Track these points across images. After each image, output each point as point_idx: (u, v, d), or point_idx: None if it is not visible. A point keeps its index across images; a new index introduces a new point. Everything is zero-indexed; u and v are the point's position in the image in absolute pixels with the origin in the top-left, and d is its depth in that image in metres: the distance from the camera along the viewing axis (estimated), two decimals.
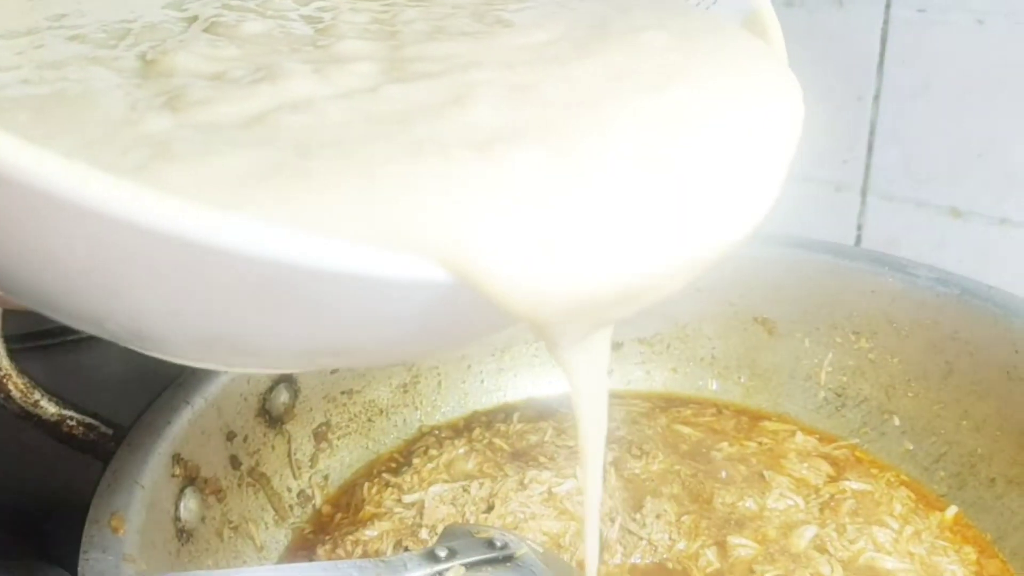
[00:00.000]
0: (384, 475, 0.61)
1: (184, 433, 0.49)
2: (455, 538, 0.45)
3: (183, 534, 0.47)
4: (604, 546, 0.53)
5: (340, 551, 0.54)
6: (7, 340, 0.48)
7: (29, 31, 0.25)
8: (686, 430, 0.64)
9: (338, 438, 0.62)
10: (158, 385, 0.52)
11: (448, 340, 0.24)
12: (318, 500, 0.60)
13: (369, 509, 0.58)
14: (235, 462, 0.54)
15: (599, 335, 0.24)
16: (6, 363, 0.47)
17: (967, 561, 0.51)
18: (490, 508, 0.55)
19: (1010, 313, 0.55)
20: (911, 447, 0.60)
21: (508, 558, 0.44)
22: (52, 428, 0.48)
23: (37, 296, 0.19)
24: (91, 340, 0.66)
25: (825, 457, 0.60)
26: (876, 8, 0.69)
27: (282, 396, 0.58)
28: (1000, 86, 0.66)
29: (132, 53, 0.23)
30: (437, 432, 0.66)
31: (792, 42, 0.34)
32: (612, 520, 0.55)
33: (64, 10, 0.27)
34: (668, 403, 0.68)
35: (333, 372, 0.63)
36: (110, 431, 0.48)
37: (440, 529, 0.51)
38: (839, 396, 0.65)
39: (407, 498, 0.58)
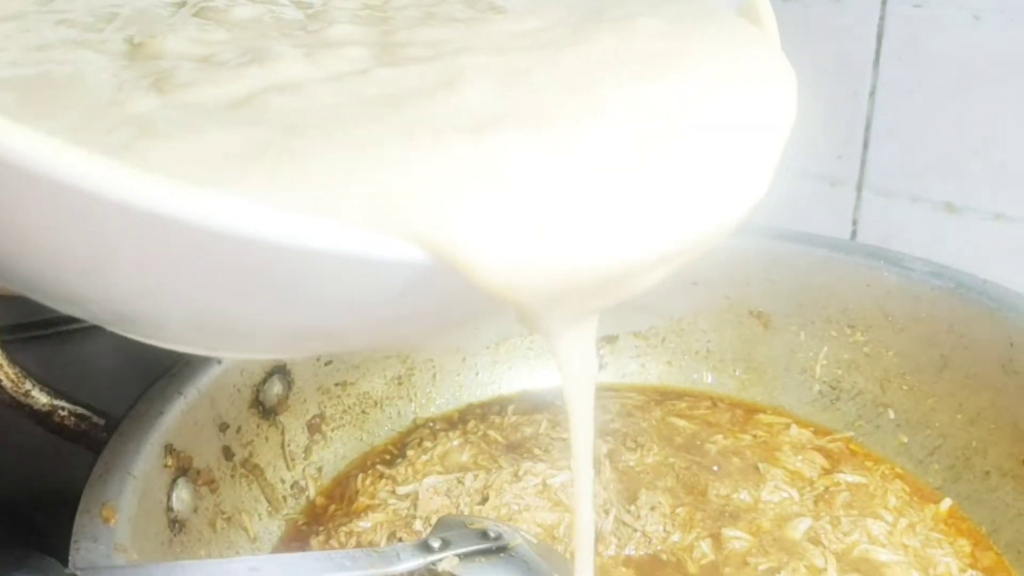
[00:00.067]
0: (378, 467, 0.61)
1: (177, 424, 0.49)
2: (449, 529, 0.45)
3: (175, 524, 0.47)
4: (599, 538, 0.53)
5: (334, 542, 0.53)
6: None
7: (17, 15, 0.25)
8: (681, 423, 0.64)
9: (332, 430, 0.62)
10: (151, 376, 0.52)
11: (435, 324, 0.24)
12: (312, 491, 0.60)
13: (363, 500, 0.58)
14: (228, 453, 0.54)
15: (586, 323, 0.24)
16: None
17: (961, 553, 0.51)
18: (484, 500, 0.55)
19: (1005, 307, 0.55)
20: (906, 440, 0.60)
21: (502, 549, 0.44)
22: (43, 418, 0.47)
23: (19, 276, 0.19)
24: (83, 331, 0.66)
25: (820, 450, 0.60)
26: (872, 3, 0.69)
27: (276, 387, 0.58)
28: (996, 82, 0.66)
29: (120, 36, 0.23)
30: (431, 424, 0.66)
31: (788, 37, 0.34)
32: (607, 512, 0.55)
33: None
34: (663, 396, 0.68)
35: (328, 364, 0.62)
36: (102, 421, 0.48)
37: (434, 520, 0.51)
38: (834, 389, 0.65)
39: (401, 489, 0.58)
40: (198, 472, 0.50)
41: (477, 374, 0.70)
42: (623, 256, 0.20)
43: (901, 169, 0.73)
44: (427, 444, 0.63)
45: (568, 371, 0.25)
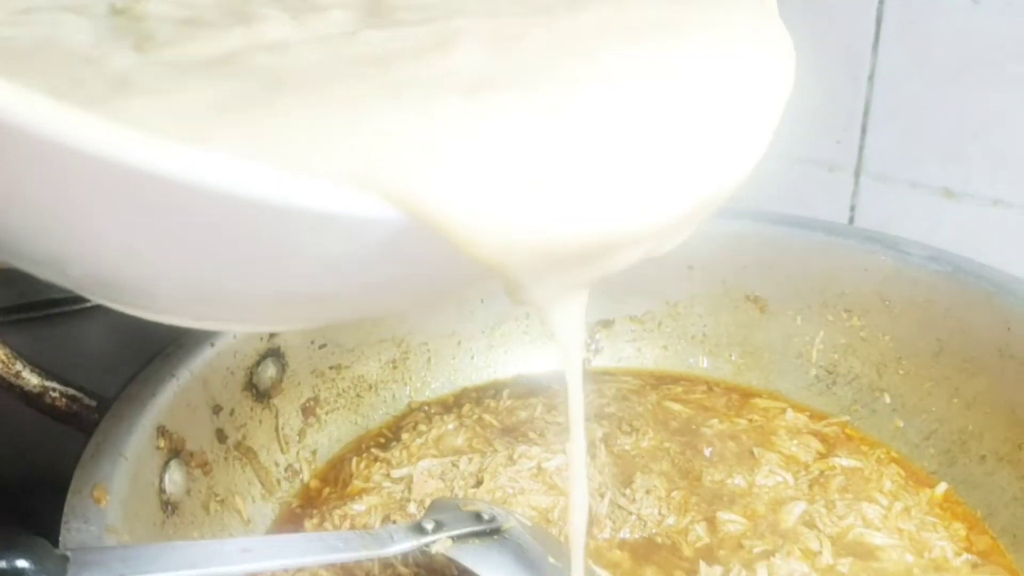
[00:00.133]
0: (373, 450, 0.61)
1: (169, 405, 0.49)
2: (442, 511, 0.45)
3: (168, 506, 0.47)
4: (593, 521, 0.53)
5: (328, 525, 0.53)
6: None
7: None
8: (676, 407, 0.64)
9: (326, 413, 0.62)
10: (143, 359, 0.52)
11: (423, 291, 0.23)
12: (306, 475, 0.59)
13: (357, 484, 0.57)
14: (221, 436, 0.53)
15: (574, 297, 0.24)
16: None
17: (957, 537, 0.51)
18: (479, 483, 0.55)
19: (1003, 291, 0.55)
20: (902, 424, 0.60)
21: (495, 531, 0.44)
22: (34, 400, 0.47)
23: None
24: (76, 314, 0.66)
25: (815, 434, 0.60)
26: None
27: (269, 370, 0.58)
28: (995, 66, 0.66)
29: (103, 1, 0.22)
30: (427, 408, 0.66)
31: (787, 21, 0.34)
32: (602, 495, 0.54)
33: None
34: (659, 380, 0.68)
35: (322, 347, 0.62)
36: (93, 403, 0.47)
37: (428, 503, 0.51)
38: (830, 374, 0.65)
39: (396, 473, 0.57)
40: (191, 454, 0.50)
41: (472, 358, 0.70)
42: (612, 223, 0.19)
43: (900, 154, 0.73)
44: (422, 428, 0.62)
45: (556, 336, 0.25)
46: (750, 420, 0.62)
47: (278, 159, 0.15)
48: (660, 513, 0.54)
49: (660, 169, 0.20)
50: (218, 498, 0.52)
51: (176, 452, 0.48)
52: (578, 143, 0.19)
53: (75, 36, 0.19)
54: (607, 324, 0.71)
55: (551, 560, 0.44)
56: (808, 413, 0.63)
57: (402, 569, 0.49)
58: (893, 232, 0.64)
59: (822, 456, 0.58)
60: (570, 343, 0.26)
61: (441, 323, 0.68)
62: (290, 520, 0.56)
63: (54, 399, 0.47)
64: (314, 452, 0.61)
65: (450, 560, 0.45)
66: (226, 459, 0.54)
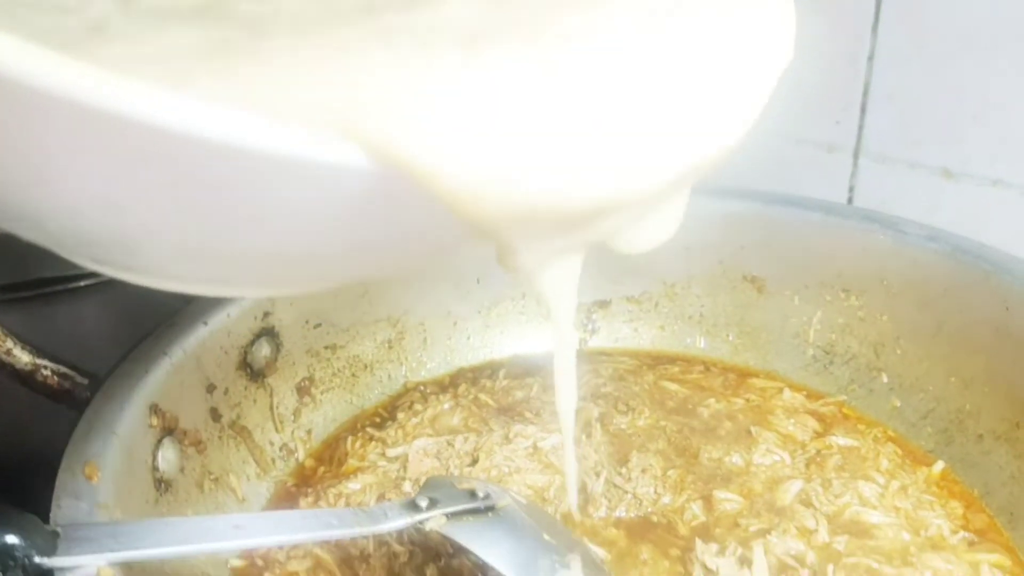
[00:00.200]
0: (368, 429, 0.60)
1: (162, 383, 0.48)
2: (437, 489, 0.45)
3: (161, 484, 0.46)
4: (589, 500, 0.53)
5: (322, 503, 0.53)
6: None
7: None
8: (673, 387, 0.63)
9: (321, 392, 0.62)
10: (136, 338, 0.51)
11: (400, 251, 0.23)
12: (301, 454, 0.59)
13: (352, 463, 0.57)
14: (215, 414, 0.53)
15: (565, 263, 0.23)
16: None
17: (953, 516, 0.51)
18: (474, 462, 0.55)
19: (1001, 270, 0.55)
20: (899, 404, 0.60)
21: (490, 509, 0.44)
22: (26, 378, 0.47)
23: None
24: (68, 293, 0.65)
25: (812, 413, 0.60)
26: None
27: (264, 349, 0.58)
28: (996, 46, 0.65)
29: None
30: (422, 388, 0.66)
31: None
32: (597, 474, 0.54)
33: None
34: (656, 361, 0.68)
35: (317, 327, 0.62)
36: (85, 381, 0.47)
37: (423, 481, 0.51)
38: (827, 353, 0.64)
39: (391, 452, 0.57)
40: (184, 432, 0.50)
41: (468, 338, 0.69)
42: (600, 183, 0.19)
43: (899, 135, 0.72)
44: (417, 407, 0.62)
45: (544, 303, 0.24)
46: (747, 400, 0.62)
47: (259, 104, 0.15)
48: (656, 492, 0.53)
49: (651, 132, 0.20)
50: (212, 476, 0.52)
51: (169, 430, 0.48)
52: (571, 102, 0.18)
53: None
54: (604, 304, 0.70)
55: (546, 537, 0.44)
56: (805, 393, 0.63)
57: (397, 547, 0.49)
58: (892, 213, 0.63)
59: (819, 435, 0.58)
60: (560, 313, 0.25)
61: (437, 303, 0.68)
62: (285, 499, 0.55)
63: (46, 377, 0.47)
64: (309, 431, 0.60)
65: (444, 537, 0.45)
66: (220, 438, 0.53)
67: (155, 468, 0.46)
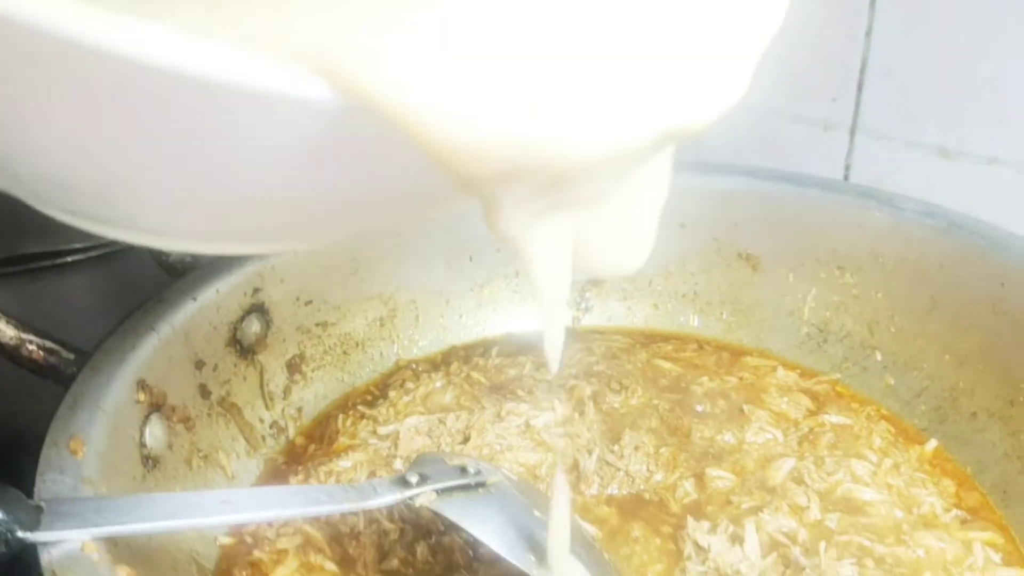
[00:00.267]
0: (359, 407, 0.60)
1: (149, 359, 0.48)
2: (427, 465, 0.45)
3: (149, 461, 0.46)
4: (581, 477, 0.53)
5: (313, 481, 0.53)
6: None
7: None
8: (666, 365, 0.63)
9: (312, 370, 0.61)
10: (123, 313, 0.51)
11: (371, 199, 0.22)
12: (291, 431, 0.59)
13: (343, 440, 0.57)
14: (204, 391, 0.53)
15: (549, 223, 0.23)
16: None
17: (946, 493, 0.51)
18: (466, 439, 0.55)
19: (997, 246, 0.54)
20: (892, 382, 0.60)
21: (481, 485, 0.44)
22: (11, 352, 0.46)
23: None
24: (55, 269, 0.64)
25: (805, 392, 0.60)
26: None
27: (254, 326, 0.57)
28: (995, 22, 0.64)
29: None
30: (414, 366, 0.65)
31: None
32: (590, 452, 0.54)
33: None
34: (649, 339, 0.67)
35: (308, 304, 0.61)
36: (71, 356, 0.46)
37: (414, 458, 0.50)
38: (821, 332, 0.64)
39: (382, 430, 0.57)
40: (173, 409, 0.49)
41: (461, 316, 0.69)
42: (577, 136, 0.18)
43: (896, 112, 0.71)
44: (409, 385, 0.62)
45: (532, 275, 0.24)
46: (740, 378, 0.61)
47: (223, 36, 0.14)
48: (648, 469, 0.53)
49: (633, 92, 0.19)
50: (201, 454, 0.51)
51: (157, 406, 0.48)
52: (554, 48, 0.18)
53: None
54: (597, 282, 0.70)
55: (537, 514, 0.43)
56: (799, 371, 0.62)
57: (387, 524, 0.49)
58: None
59: (812, 413, 0.57)
60: (546, 296, 0.25)
61: (429, 281, 0.67)
62: (275, 476, 0.55)
63: (31, 351, 0.46)
64: (300, 409, 0.60)
65: (435, 514, 0.45)
66: (209, 415, 0.53)
67: (142, 444, 0.46)
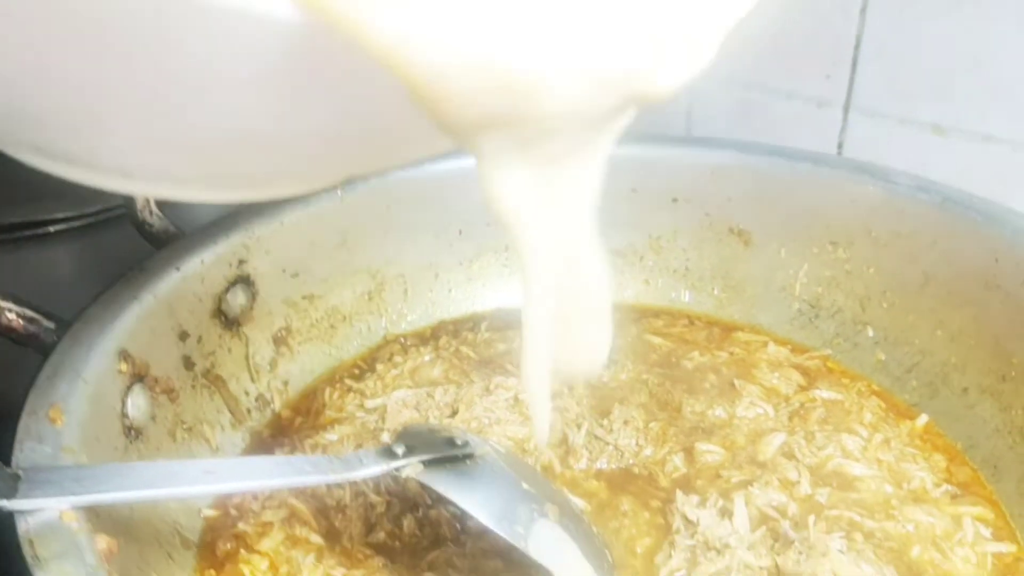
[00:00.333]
0: (346, 381, 0.59)
1: (131, 329, 0.47)
2: (414, 436, 0.44)
3: (131, 432, 0.45)
4: (570, 451, 0.52)
5: (299, 454, 0.52)
6: None
7: None
8: (657, 340, 0.62)
9: (299, 343, 0.60)
10: (105, 283, 0.50)
11: (338, 129, 0.21)
12: (277, 404, 0.58)
13: (330, 414, 0.56)
14: (188, 363, 0.52)
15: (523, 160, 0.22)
16: None
17: (936, 468, 0.51)
18: (454, 413, 0.54)
19: (992, 221, 0.54)
20: (883, 357, 0.59)
21: (468, 457, 0.43)
22: None
23: None
24: (36, 239, 0.63)
25: (796, 367, 0.59)
26: None
27: (239, 298, 0.56)
28: (989, 1, 0.63)
29: None
30: (403, 340, 0.64)
31: None
32: (579, 426, 0.54)
33: None
34: (639, 314, 0.67)
35: (295, 276, 0.60)
36: (52, 324, 0.45)
37: (400, 429, 0.50)
38: (813, 307, 0.64)
39: (369, 403, 0.56)
40: (156, 380, 0.48)
41: (450, 291, 0.68)
42: (548, 65, 0.17)
43: (890, 89, 0.71)
44: (397, 359, 0.61)
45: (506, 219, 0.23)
46: (731, 353, 0.61)
47: None
48: (637, 444, 0.53)
49: (601, 38, 0.18)
50: (185, 426, 0.50)
51: (139, 377, 0.47)
52: None
53: None
54: None
55: (525, 486, 0.43)
56: (790, 347, 0.62)
57: (374, 497, 0.48)
58: None
59: (803, 389, 0.57)
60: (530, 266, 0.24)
61: (418, 254, 0.66)
62: (260, 449, 0.54)
63: (11, 320, 0.45)
64: (286, 382, 0.59)
65: (422, 486, 0.44)
66: (193, 386, 0.52)
67: (124, 415, 0.45)
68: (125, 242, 0.57)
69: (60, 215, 0.61)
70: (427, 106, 0.17)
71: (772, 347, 0.61)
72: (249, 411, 0.56)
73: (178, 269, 0.52)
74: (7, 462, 0.37)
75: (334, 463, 0.41)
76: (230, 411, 0.55)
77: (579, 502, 0.49)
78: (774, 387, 0.57)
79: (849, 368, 0.60)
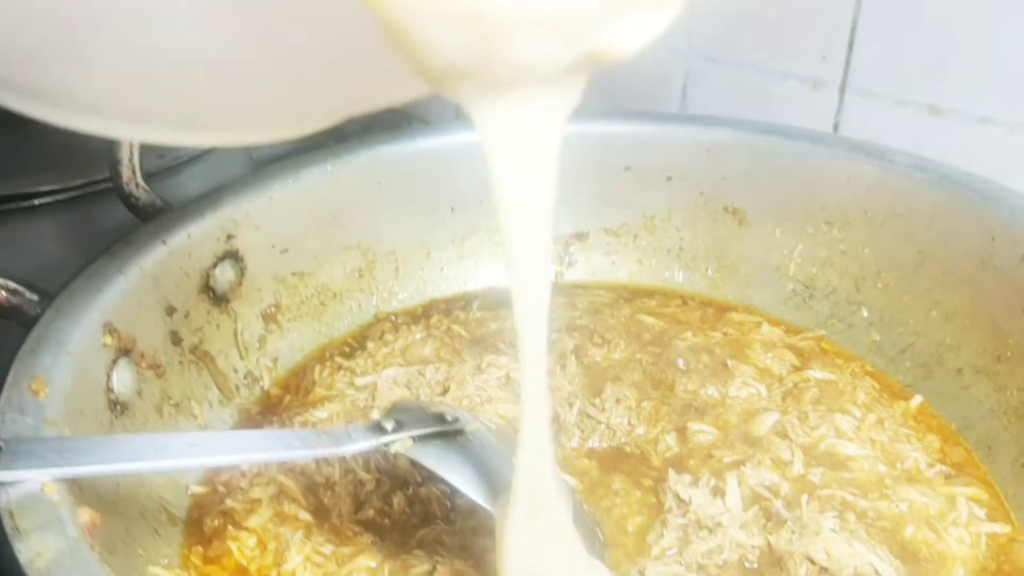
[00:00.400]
0: (337, 358, 0.59)
1: (117, 302, 0.46)
2: (404, 412, 0.43)
3: (117, 406, 0.45)
4: (562, 429, 0.52)
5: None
6: None
7: None
8: (650, 320, 0.62)
9: (288, 320, 0.60)
10: (90, 257, 0.49)
11: (315, 63, 0.20)
12: (266, 382, 0.57)
13: (320, 391, 0.56)
14: (176, 338, 0.51)
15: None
16: None
17: (930, 449, 0.51)
18: (445, 391, 0.54)
19: (989, 200, 0.53)
20: (878, 338, 0.59)
21: (459, 433, 0.42)
22: None
23: None
24: (21, 212, 0.62)
25: (790, 348, 0.59)
26: None
27: (227, 273, 0.55)
28: None
29: None
30: (394, 318, 0.64)
31: None
32: (571, 405, 0.53)
33: None
34: (633, 294, 0.66)
35: (284, 252, 0.59)
36: (35, 297, 0.45)
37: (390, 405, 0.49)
38: (807, 288, 0.63)
39: (360, 381, 0.56)
40: (142, 354, 0.48)
41: (442, 269, 0.67)
42: None
43: (886, 70, 0.70)
44: (388, 337, 0.61)
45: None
46: (725, 334, 0.60)
47: None
48: (629, 423, 0.52)
49: None
50: (172, 402, 0.50)
51: (125, 351, 0.46)
52: None
53: None
54: (581, 236, 0.69)
55: (515, 463, 0.42)
56: (784, 327, 0.61)
57: (363, 474, 0.48)
58: None
59: (796, 369, 0.57)
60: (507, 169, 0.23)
61: (409, 232, 0.66)
62: (249, 426, 0.54)
63: None
64: (275, 360, 0.59)
65: (411, 462, 0.44)
66: (181, 362, 0.51)
67: (109, 389, 0.44)
68: (111, 216, 0.56)
69: (46, 188, 0.60)
70: (400, 45, 0.17)
71: (766, 328, 0.61)
72: (238, 388, 0.55)
73: (165, 243, 0.51)
74: None
75: (322, 437, 0.41)
76: (218, 388, 0.54)
77: (571, 480, 0.48)
78: (767, 367, 0.57)
79: (843, 349, 0.60)
